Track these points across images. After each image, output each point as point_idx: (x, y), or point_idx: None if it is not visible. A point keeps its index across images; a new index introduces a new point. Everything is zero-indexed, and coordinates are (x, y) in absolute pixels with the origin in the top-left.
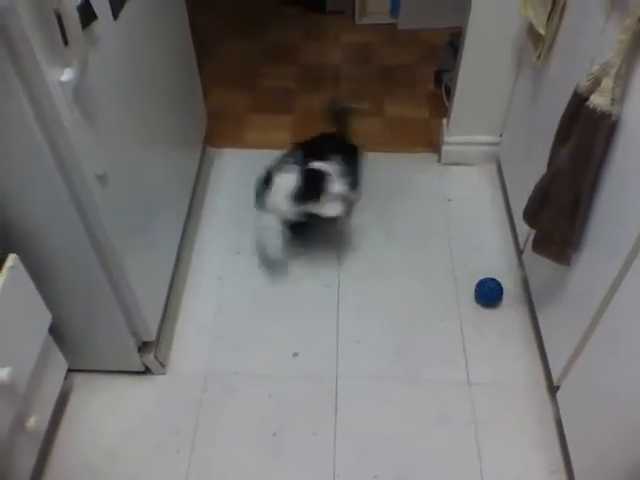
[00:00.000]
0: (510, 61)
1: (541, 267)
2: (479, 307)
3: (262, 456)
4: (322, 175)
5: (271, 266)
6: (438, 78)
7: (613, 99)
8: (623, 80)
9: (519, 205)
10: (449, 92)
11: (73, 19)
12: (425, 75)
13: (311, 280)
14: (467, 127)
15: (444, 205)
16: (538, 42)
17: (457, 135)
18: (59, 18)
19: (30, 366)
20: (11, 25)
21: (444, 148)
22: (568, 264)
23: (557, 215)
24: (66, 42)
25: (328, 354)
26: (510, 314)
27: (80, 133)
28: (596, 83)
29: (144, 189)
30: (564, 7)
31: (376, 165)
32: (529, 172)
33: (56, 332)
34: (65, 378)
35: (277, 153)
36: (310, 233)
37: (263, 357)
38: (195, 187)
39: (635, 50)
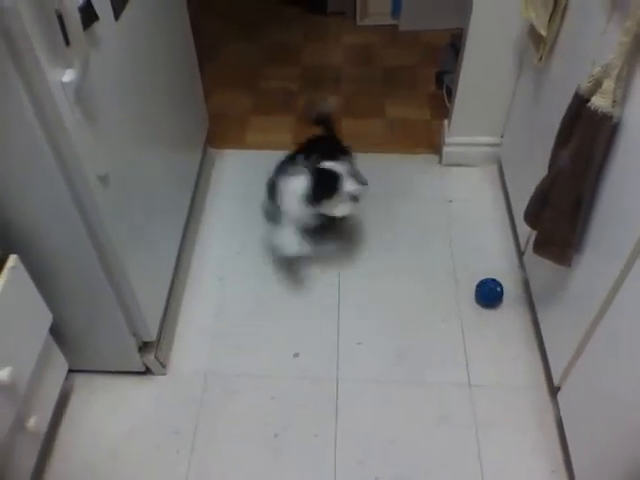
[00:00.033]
0: (511, 62)
1: (542, 268)
2: (480, 308)
3: (262, 457)
4: (334, 175)
5: (289, 264)
6: (439, 79)
7: (614, 101)
8: (624, 82)
9: (520, 206)
10: (450, 93)
11: (74, 20)
12: (426, 76)
13: (312, 281)
14: (468, 128)
15: (445, 206)
16: (539, 43)
17: (458, 136)
18: (60, 19)
19: (31, 366)
20: (13, 25)
21: (445, 149)
22: (569, 265)
23: (558, 216)
24: (67, 43)
25: (329, 355)
26: (511, 315)
27: (81, 134)
28: (597, 85)
29: (145, 190)
30: (565, 8)
31: (377, 166)
32: (530, 173)
33: (57, 332)
34: (66, 378)
35: (278, 154)
36: (323, 233)
37: (264, 357)
38: (196, 188)
39: (636, 52)
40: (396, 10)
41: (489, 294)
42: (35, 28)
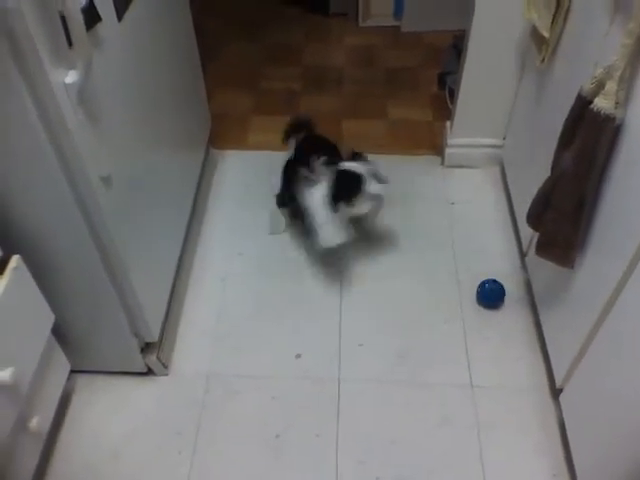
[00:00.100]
0: (514, 64)
1: (544, 269)
2: (482, 309)
3: (264, 457)
4: (356, 176)
5: (328, 255)
6: (442, 80)
7: (617, 102)
8: (627, 83)
9: (522, 208)
10: (452, 94)
11: (77, 21)
12: (428, 77)
13: (314, 282)
14: (471, 130)
15: (447, 207)
16: (542, 45)
17: (460, 138)
18: (63, 20)
19: (33, 367)
20: (16, 26)
21: (447, 151)
22: (572, 267)
23: (561, 218)
24: (70, 44)
25: (331, 356)
26: (513, 316)
27: (84, 135)
28: (600, 86)
29: (148, 190)
30: (568, 10)
31: (379, 167)
32: (533, 175)
33: (59, 333)
34: (68, 379)
35: (280, 155)
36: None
37: (265, 358)
38: (198, 188)
39: (639, 54)
40: (398, 11)
41: (490, 295)
42: (38, 29)
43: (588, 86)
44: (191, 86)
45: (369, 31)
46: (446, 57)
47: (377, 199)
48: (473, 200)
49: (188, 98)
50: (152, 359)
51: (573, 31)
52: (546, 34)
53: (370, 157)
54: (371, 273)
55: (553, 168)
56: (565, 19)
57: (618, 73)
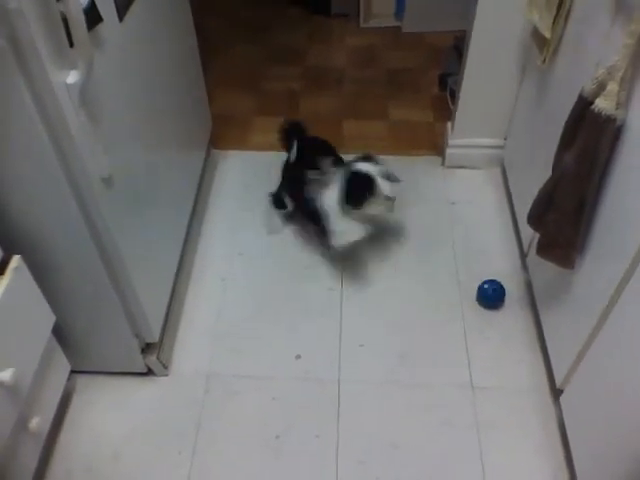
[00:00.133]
0: (515, 64)
1: (545, 270)
2: (483, 310)
3: (264, 458)
4: (369, 178)
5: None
6: (443, 81)
7: (618, 103)
8: (628, 84)
9: (523, 209)
10: (453, 95)
11: (79, 21)
12: (430, 78)
13: (314, 282)
14: (471, 130)
15: (448, 208)
16: (543, 45)
17: (461, 138)
18: (65, 20)
19: (33, 367)
20: (17, 26)
21: (448, 151)
22: (572, 268)
23: (562, 219)
24: (72, 44)
25: (331, 356)
26: (514, 317)
27: (85, 135)
28: (601, 87)
29: (149, 191)
30: (569, 10)
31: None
32: (533, 176)
33: (59, 333)
34: (68, 379)
35: (281, 155)
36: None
37: (265, 359)
38: (199, 189)
39: None
40: (399, 12)
41: (490, 295)
42: (39, 30)
43: (589, 87)
44: (192, 86)
45: (370, 32)
46: (447, 58)
47: (389, 199)
48: (474, 201)
49: (189, 98)
50: (152, 359)
51: (574, 32)
52: (547, 35)
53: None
54: (372, 274)
55: (554, 169)
56: (566, 19)
57: (619, 74)
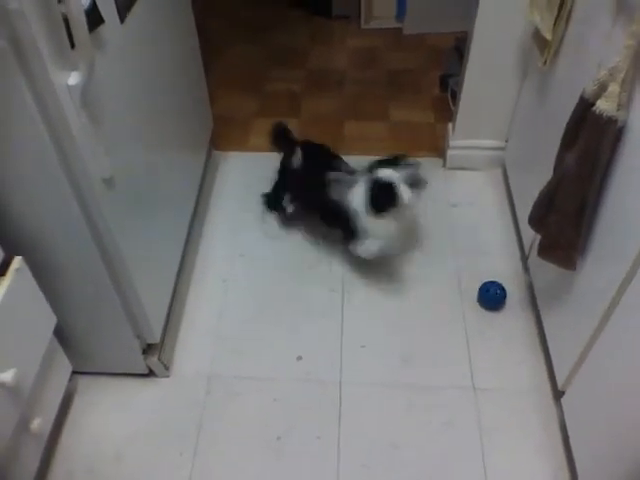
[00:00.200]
0: (516, 66)
1: (546, 272)
2: (484, 311)
3: (265, 459)
4: (393, 186)
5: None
6: (444, 82)
7: (619, 104)
8: (630, 85)
9: (524, 210)
10: (455, 96)
11: (80, 22)
12: (431, 79)
13: (315, 283)
14: (472, 132)
15: (449, 210)
16: (544, 47)
17: (462, 140)
18: (66, 21)
19: (35, 368)
20: (19, 28)
21: (449, 153)
22: (574, 269)
23: (563, 220)
24: (73, 46)
25: (332, 358)
26: (515, 319)
27: (87, 136)
28: (602, 88)
29: (150, 192)
30: (571, 12)
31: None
32: (535, 177)
33: (61, 334)
34: (69, 380)
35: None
36: None
37: (266, 360)
38: (200, 190)
39: None
40: (401, 13)
41: (492, 297)
42: (41, 31)
43: (590, 88)
44: (194, 88)
45: (371, 33)
46: (448, 59)
47: (410, 206)
48: (475, 202)
49: (190, 100)
50: (153, 360)
51: (575, 33)
52: (548, 36)
53: (371, 159)
54: (373, 275)
55: (555, 170)
56: (567, 21)
57: (621, 75)
